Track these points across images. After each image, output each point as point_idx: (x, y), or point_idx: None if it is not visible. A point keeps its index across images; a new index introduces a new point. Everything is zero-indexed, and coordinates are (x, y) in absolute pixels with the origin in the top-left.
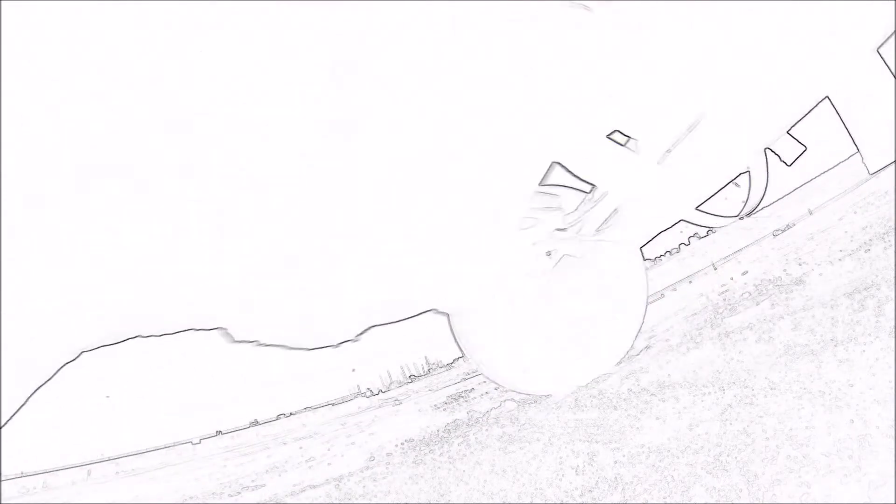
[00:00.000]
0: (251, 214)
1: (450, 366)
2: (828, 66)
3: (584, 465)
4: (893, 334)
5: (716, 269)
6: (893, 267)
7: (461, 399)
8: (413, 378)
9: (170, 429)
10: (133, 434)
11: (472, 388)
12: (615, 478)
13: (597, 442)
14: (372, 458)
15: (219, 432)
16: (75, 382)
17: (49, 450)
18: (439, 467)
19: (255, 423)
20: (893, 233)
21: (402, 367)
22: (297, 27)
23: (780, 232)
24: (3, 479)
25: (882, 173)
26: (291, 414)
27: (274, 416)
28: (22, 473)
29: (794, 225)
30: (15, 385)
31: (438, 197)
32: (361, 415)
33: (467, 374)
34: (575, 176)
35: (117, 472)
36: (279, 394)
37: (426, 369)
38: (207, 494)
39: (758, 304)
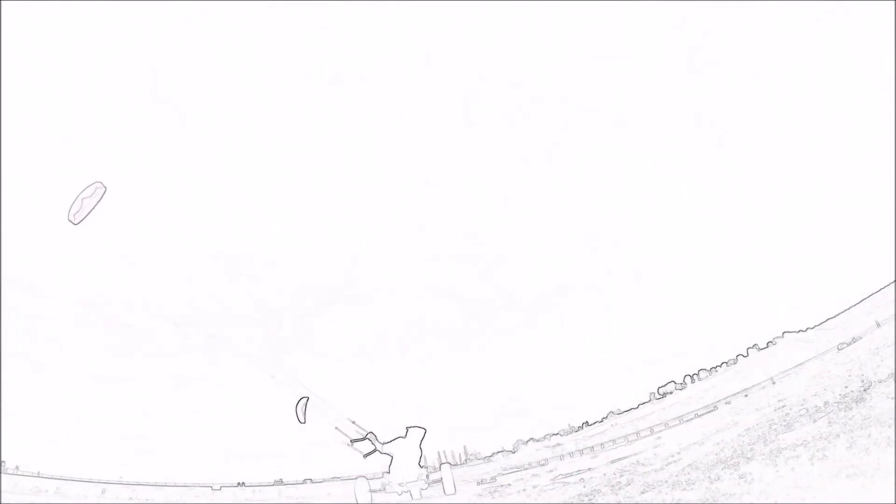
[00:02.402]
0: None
1: (488, 458)
2: None
3: None
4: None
5: (774, 383)
6: None
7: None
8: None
9: (193, 468)
10: (155, 464)
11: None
12: None
13: None
14: None
15: (241, 483)
16: (112, 399)
17: (67, 458)
18: None
19: (280, 482)
20: None
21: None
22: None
23: (844, 346)
24: (20, 473)
25: None
26: (319, 482)
27: (301, 479)
28: (39, 473)
29: (860, 338)
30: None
31: None
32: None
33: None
34: None
35: (131, 497)
36: (310, 459)
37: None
38: None
39: (815, 421)
